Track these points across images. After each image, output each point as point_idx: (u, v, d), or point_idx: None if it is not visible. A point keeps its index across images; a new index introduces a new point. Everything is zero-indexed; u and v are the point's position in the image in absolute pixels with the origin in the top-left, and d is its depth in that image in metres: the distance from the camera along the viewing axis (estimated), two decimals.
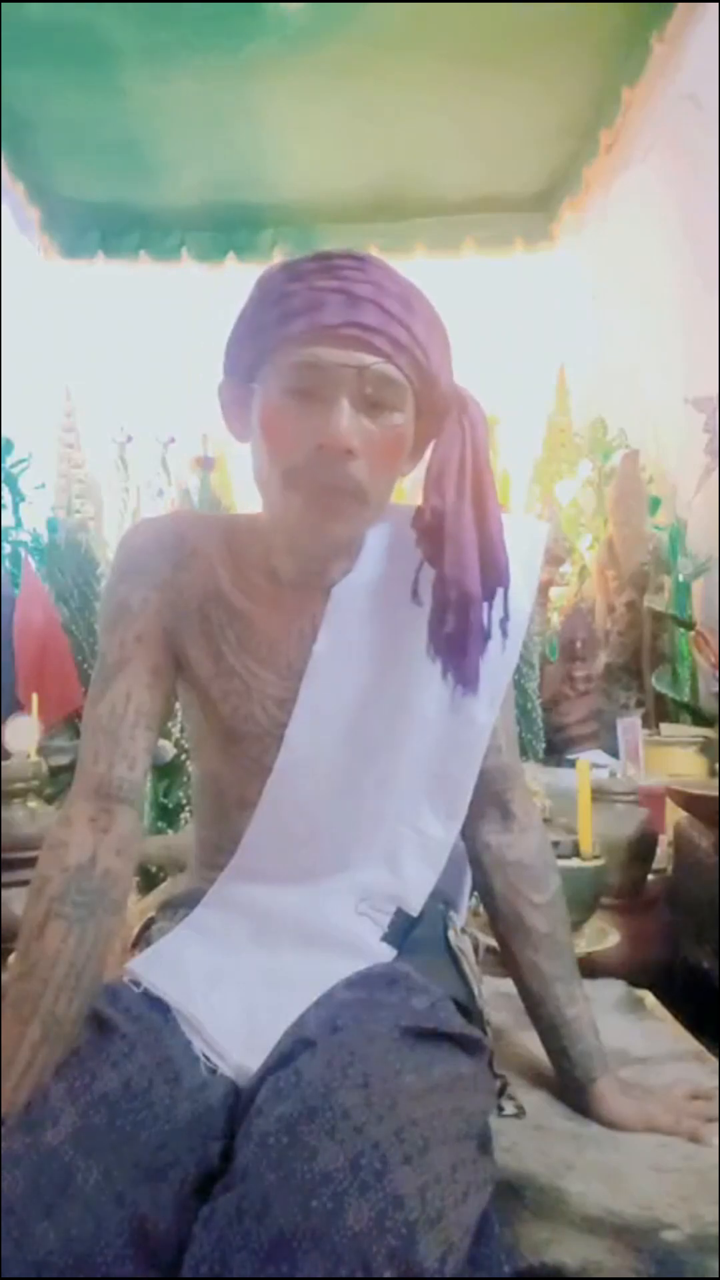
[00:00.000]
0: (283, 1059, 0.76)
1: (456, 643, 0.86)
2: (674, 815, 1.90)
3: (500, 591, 0.87)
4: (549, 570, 3.02)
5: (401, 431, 0.84)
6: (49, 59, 3.07)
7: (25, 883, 0.91)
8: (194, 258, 4.19)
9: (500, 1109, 0.93)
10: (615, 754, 2.50)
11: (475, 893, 1.07)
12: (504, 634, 0.88)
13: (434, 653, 0.87)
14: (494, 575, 0.86)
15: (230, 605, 0.92)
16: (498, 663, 0.91)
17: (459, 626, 0.85)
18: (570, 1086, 0.96)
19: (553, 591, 3.18)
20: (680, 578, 2.76)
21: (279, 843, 0.93)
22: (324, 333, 0.79)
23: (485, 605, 0.86)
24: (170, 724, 2.07)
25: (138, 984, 0.84)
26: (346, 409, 0.80)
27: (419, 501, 0.88)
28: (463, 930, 1.03)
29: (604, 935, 1.43)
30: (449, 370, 0.87)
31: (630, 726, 2.50)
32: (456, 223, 4.09)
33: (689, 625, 2.71)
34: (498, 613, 0.87)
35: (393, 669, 0.91)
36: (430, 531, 0.86)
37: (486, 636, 0.87)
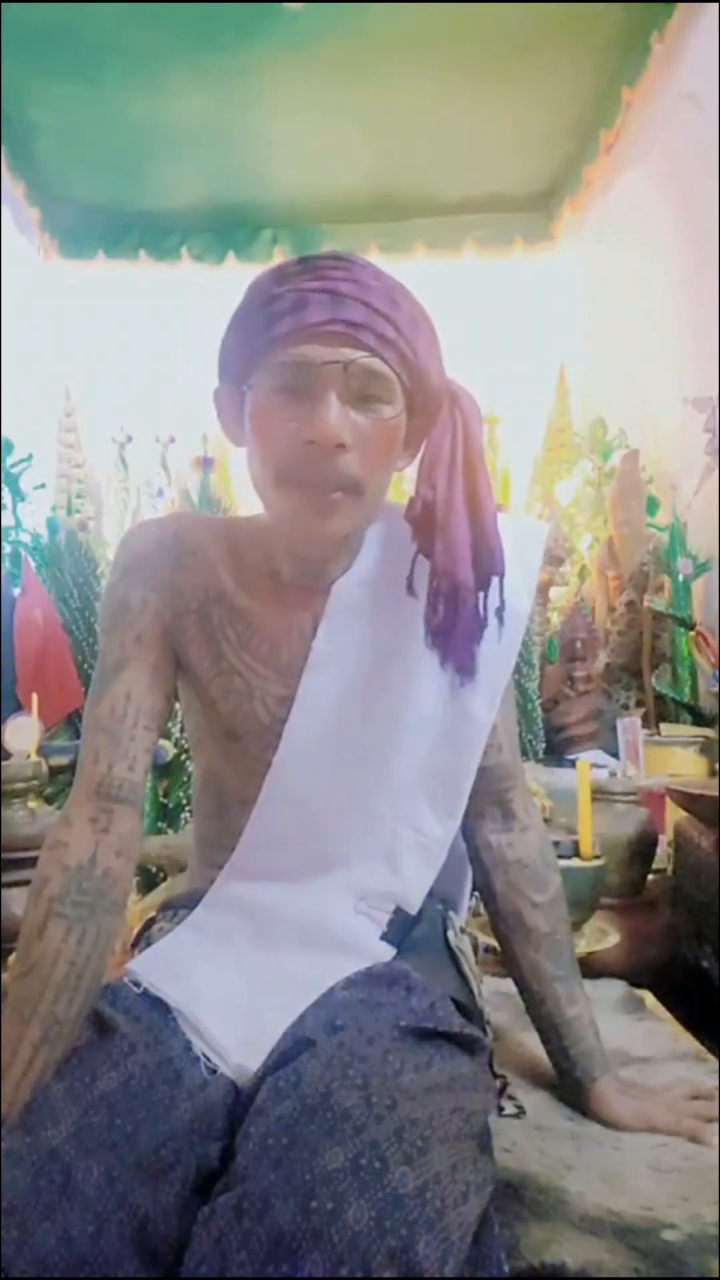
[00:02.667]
0: (283, 1059, 0.77)
1: (449, 631, 0.87)
2: (674, 815, 1.90)
3: (495, 580, 0.87)
4: (549, 570, 3.03)
5: (392, 424, 0.84)
6: (49, 59, 3.07)
7: (25, 883, 0.91)
8: (194, 258, 4.18)
9: (500, 1109, 0.93)
10: (615, 754, 2.50)
11: (475, 892, 1.07)
12: (500, 622, 0.89)
13: (430, 643, 0.88)
14: (488, 564, 0.87)
15: (231, 604, 0.92)
16: (496, 658, 0.91)
17: (450, 616, 0.86)
18: (570, 1086, 0.96)
19: (553, 591, 3.19)
20: (680, 578, 2.76)
21: (278, 841, 0.93)
22: (309, 331, 0.80)
23: (480, 594, 0.87)
24: (170, 724, 2.07)
25: (138, 984, 0.84)
26: (335, 404, 0.81)
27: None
28: (463, 930, 1.03)
29: (604, 935, 1.43)
30: (439, 364, 0.87)
31: (630, 726, 2.50)
32: (456, 223, 4.09)
33: (689, 625, 2.71)
34: (494, 601, 0.88)
35: (392, 667, 0.91)
36: (421, 522, 0.87)
37: (483, 624, 0.87)
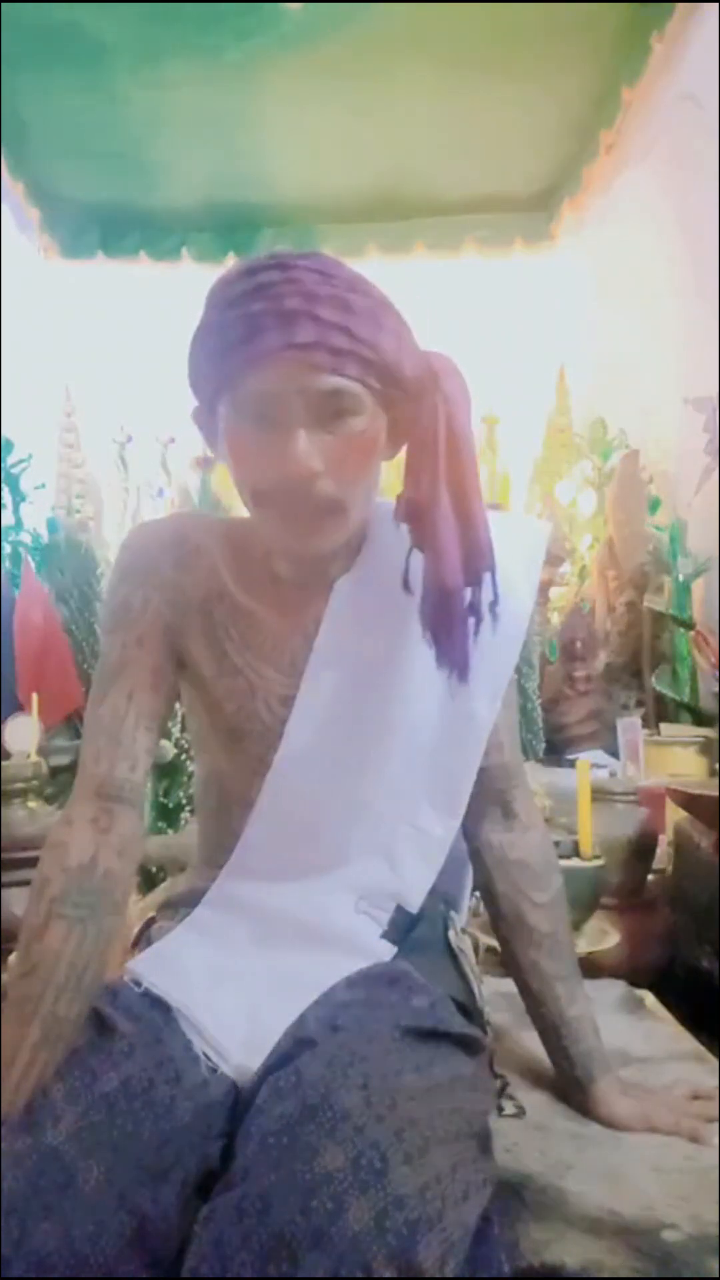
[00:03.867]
0: (283, 1058, 0.76)
1: (443, 630, 0.86)
2: (674, 815, 1.90)
3: (486, 575, 0.86)
4: (549, 570, 3.03)
5: (365, 435, 0.83)
6: (48, 59, 3.07)
7: (25, 883, 0.91)
8: (194, 258, 4.18)
9: (500, 1109, 0.93)
10: (615, 754, 2.50)
11: (476, 892, 1.07)
12: (494, 617, 0.87)
13: (425, 641, 0.87)
14: (477, 560, 0.85)
15: (233, 604, 0.92)
16: (496, 657, 0.91)
17: (440, 616, 0.85)
18: (570, 1086, 0.96)
19: (553, 591, 3.19)
20: (680, 578, 2.76)
21: (279, 840, 0.93)
22: (262, 361, 0.79)
23: (470, 590, 0.85)
24: (170, 724, 2.07)
25: (138, 984, 0.84)
26: (302, 433, 0.80)
27: None
28: (463, 930, 1.03)
29: (604, 935, 1.43)
30: (411, 351, 0.84)
31: (630, 726, 2.50)
32: (456, 223, 4.08)
33: (689, 625, 2.71)
34: (486, 595, 0.86)
35: (393, 665, 0.91)
36: (409, 521, 0.86)
37: (478, 621, 0.86)
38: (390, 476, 0.90)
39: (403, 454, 0.89)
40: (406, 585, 0.87)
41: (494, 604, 0.87)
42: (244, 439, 0.83)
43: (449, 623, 0.85)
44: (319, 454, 0.80)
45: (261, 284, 0.79)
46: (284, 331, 0.78)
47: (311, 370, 0.79)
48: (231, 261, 4.13)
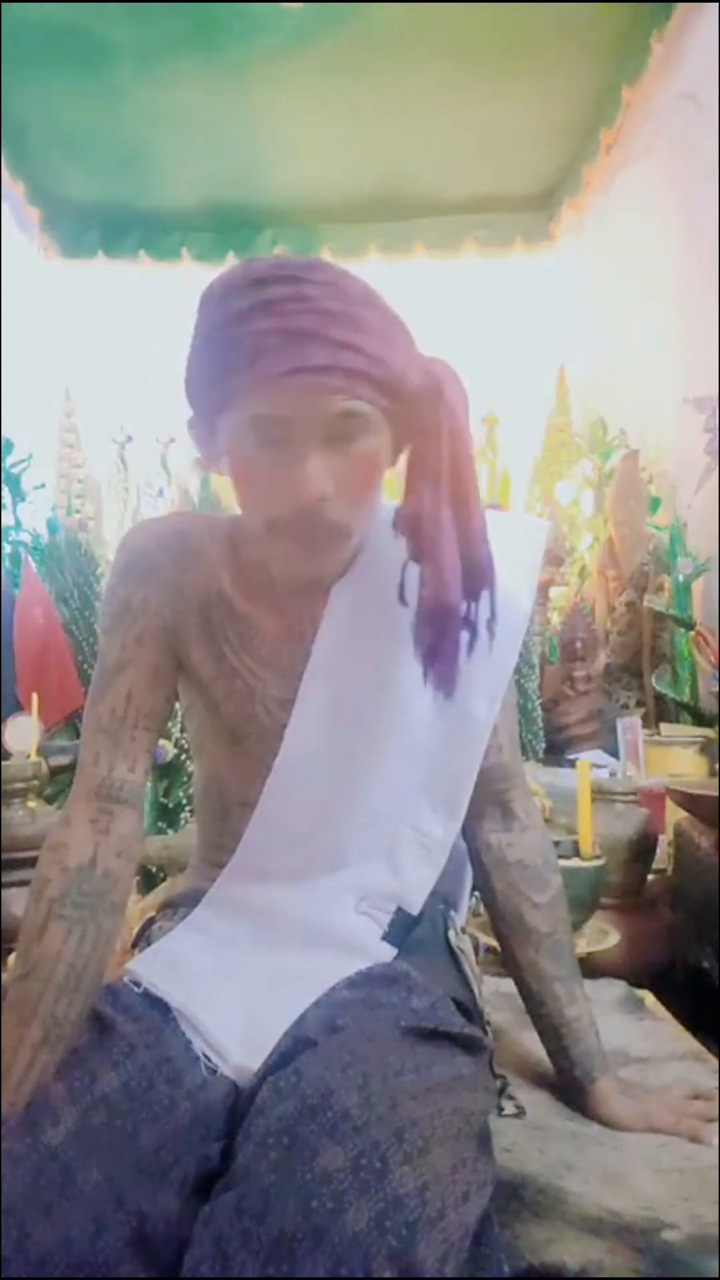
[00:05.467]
0: (283, 1059, 0.77)
1: (434, 650, 0.84)
2: (674, 815, 1.90)
3: (485, 594, 0.84)
4: (549, 570, 3.03)
5: (373, 453, 0.82)
6: (48, 59, 3.07)
7: (25, 883, 0.91)
8: (194, 258, 4.18)
9: (500, 1109, 0.93)
10: (615, 754, 2.50)
11: (475, 892, 1.07)
12: (491, 635, 0.86)
13: (417, 655, 0.86)
14: (476, 578, 0.84)
15: (232, 606, 0.92)
16: (494, 658, 0.90)
17: (435, 636, 0.83)
18: (570, 1086, 0.96)
19: (553, 591, 3.19)
20: (680, 578, 2.76)
21: (279, 841, 0.93)
22: (272, 384, 0.76)
23: (468, 606, 0.84)
24: (170, 724, 2.07)
25: (138, 984, 0.84)
26: (312, 458, 0.78)
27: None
28: (463, 930, 1.03)
29: (604, 935, 1.43)
30: (416, 362, 0.81)
31: (630, 726, 2.50)
32: (456, 223, 4.08)
33: (689, 625, 2.71)
34: (484, 613, 0.85)
35: (392, 667, 0.91)
36: (408, 534, 0.84)
37: (473, 636, 0.85)
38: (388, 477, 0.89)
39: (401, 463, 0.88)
40: (403, 598, 0.85)
41: (491, 621, 0.85)
42: (253, 464, 0.81)
43: (440, 641, 0.83)
44: (330, 478, 0.79)
45: (270, 300, 0.75)
46: (295, 353, 0.75)
47: (324, 393, 0.76)
48: (231, 261, 4.15)
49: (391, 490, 0.87)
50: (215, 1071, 0.79)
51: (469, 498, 0.83)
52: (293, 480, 0.78)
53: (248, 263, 0.79)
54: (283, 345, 0.75)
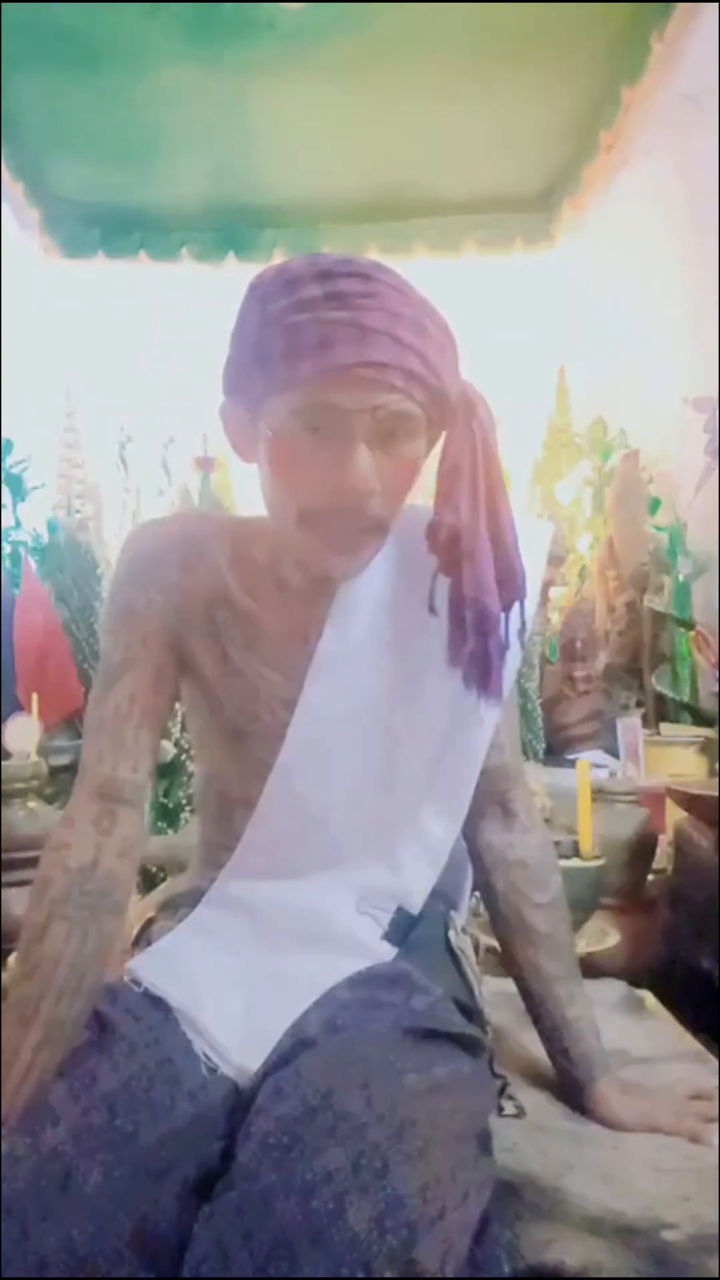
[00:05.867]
0: (283, 1059, 0.77)
1: (480, 659, 0.85)
2: (674, 815, 1.90)
3: (517, 604, 0.86)
4: (549, 570, 3.03)
5: (416, 458, 0.83)
6: (49, 59, 3.07)
7: (25, 883, 0.91)
8: (194, 258, 4.18)
9: (500, 1109, 0.93)
10: (615, 754, 2.51)
11: (476, 893, 1.07)
12: (520, 644, 0.88)
13: (455, 667, 0.86)
14: (511, 588, 0.85)
15: (236, 606, 0.92)
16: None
17: (481, 645, 0.84)
18: (570, 1087, 0.96)
19: (553, 591, 3.19)
20: (680, 578, 2.76)
21: (280, 841, 0.93)
22: (336, 374, 0.76)
23: (504, 617, 0.85)
24: (170, 723, 2.07)
25: (138, 984, 0.84)
26: (363, 451, 0.78)
27: (422, 499, 0.87)
28: (463, 930, 1.03)
29: (604, 935, 1.44)
30: (458, 379, 0.85)
31: (630, 726, 2.50)
32: (456, 223, 4.08)
33: (689, 625, 2.71)
34: (515, 623, 0.86)
35: (396, 669, 0.91)
36: (446, 547, 0.84)
37: (505, 648, 0.86)
38: None
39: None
40: (432, 608, 0.86)
41: (521, 631, 0.87)
42: (299, 451, 0.80)
43: (484, 656, 0.85)
44: (376, 474, 0.79)
45: (341, 292, 0.76)
46: (363, 346, 0.76)
47: (384, 390, 0.77)
48: (231, 261, 4.15)
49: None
50: (215, 1071, 0.79)
51: (502, 513, 0.84)
52: (341, 471, 0.78)
53: (312, 256, 0.80)
54: (353, 337, 0.76)
